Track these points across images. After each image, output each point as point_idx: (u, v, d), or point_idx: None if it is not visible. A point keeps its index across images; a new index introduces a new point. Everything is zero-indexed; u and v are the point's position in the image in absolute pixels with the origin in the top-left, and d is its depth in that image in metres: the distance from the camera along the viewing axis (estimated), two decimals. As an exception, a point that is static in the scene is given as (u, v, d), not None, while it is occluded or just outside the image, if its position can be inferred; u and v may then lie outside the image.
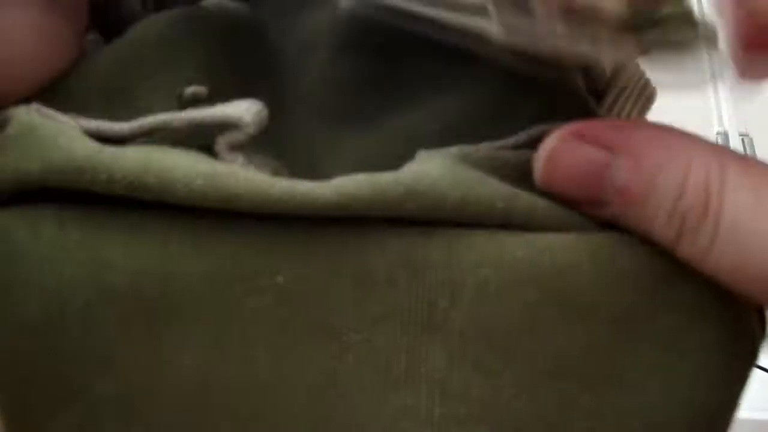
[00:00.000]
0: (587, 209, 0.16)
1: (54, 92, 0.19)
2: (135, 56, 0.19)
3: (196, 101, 0.17)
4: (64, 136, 0.16)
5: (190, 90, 0.17)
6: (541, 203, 0.16)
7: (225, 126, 0.16)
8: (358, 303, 0.15)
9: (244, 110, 0.16)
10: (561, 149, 0.16)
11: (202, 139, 0.17)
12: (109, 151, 0.16)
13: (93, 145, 0.16)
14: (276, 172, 0.17)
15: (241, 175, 0.15)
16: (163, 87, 0.19)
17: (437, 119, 0.19)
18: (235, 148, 0.16)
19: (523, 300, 0.15)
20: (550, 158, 0.16)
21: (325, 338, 0.15)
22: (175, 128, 0.16)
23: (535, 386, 0.15)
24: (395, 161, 0.19)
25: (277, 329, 0.15)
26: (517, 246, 0.15)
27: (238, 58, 0.20)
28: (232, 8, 0.21)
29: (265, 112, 0.17)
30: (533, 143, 0.17)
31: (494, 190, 0.15)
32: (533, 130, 0.17)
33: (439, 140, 0.18)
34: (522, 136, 0.17)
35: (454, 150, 0.17)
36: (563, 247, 0.15)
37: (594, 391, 0.15)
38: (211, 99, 0.18)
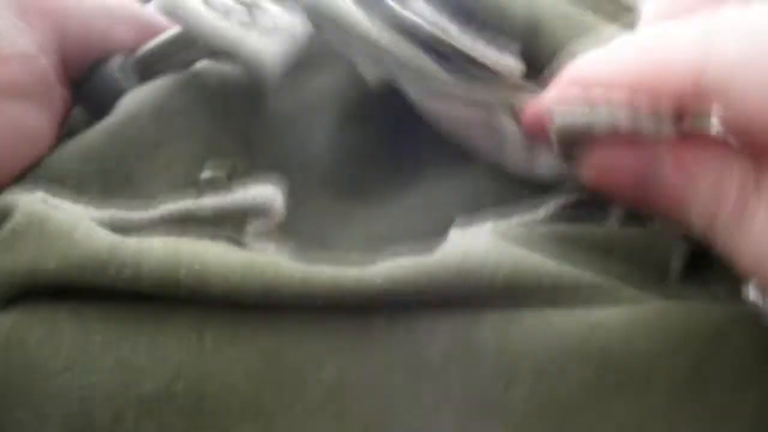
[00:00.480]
0: (626, 201, 0.17)
1: (48, 176, 0.18)
2: (131, 134, 0.18)
3: (213, 185, 0.16)
4: (79, 229, 0.15)
5: (207, 174, 0.16)
6: (585, 277, 0.15)
7: (253, 213, 0.15)
8: (413, 392, 0.15)
9: (272, 195, 0.16)
10: (608, 152, 0.16)
11: (226, 229, 0.16)
12: (132, 244, 0.15)
13: (113, 238, 0.15)
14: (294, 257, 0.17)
15: (282, 264, 0.14)
16: (163, 165, 0.18)
17: (453, 193, 0.19)
18: (264, 235, 0.16)
19: (580, 378, 0.15)
20: (598, 158, 0.16)
21: (382, 430, 0.14)
22: (199, 217, 0.15)
23: None
24: (408, 236, 0.18)
25: (330, 427, 0.14)
26: (567, 324, 0.15)
27: (240, 125, 0.20)
28: (227, 71, 0.20)
29: (284, 197, 0.16)
30: (562, 215, 0.17)
31: (540, 266, 0.15)
32: (562, 200, 0.17)
33: (457, 213, 0.18)
34: (551, 207, 0.17)
35: (488, 226, 0.17)
36: (615, 323, 0.15)
37: None
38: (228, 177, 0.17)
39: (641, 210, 0.17)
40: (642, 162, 0.16)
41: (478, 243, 0.15)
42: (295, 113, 0.21)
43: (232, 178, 0.17)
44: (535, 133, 0.17)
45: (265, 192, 0.16)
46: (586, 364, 0.15)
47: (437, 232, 0.17)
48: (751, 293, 0.16)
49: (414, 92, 0.18)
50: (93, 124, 0.19)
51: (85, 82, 0.21)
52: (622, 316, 0.15)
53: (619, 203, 0.17)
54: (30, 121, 0.18)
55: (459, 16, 0.17)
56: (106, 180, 0.18)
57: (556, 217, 0.17)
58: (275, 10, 0.18)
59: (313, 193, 0.20)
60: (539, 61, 0.18)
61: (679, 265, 0.16)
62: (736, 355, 0.15)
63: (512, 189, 0.19)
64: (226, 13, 0.18)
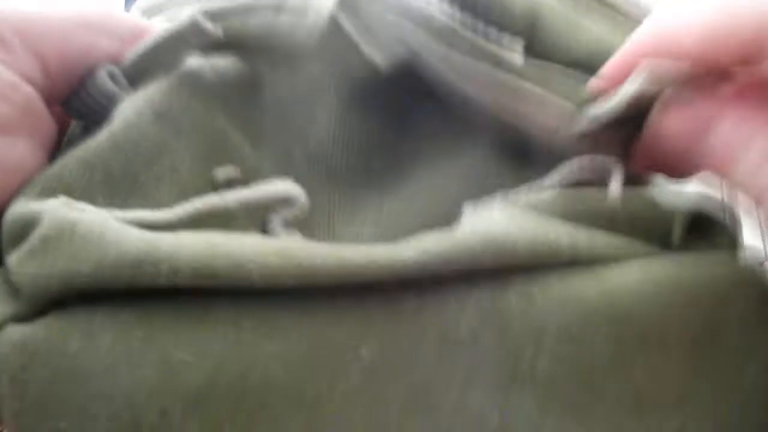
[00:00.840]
0: (674, 165, 0.17)
1: (54, 186, 0.18)
2: (133, 139, 0.18)
3: (230, 184, 0.17)
4: (111, 231, 0.15)
5: (223, 174, 0.17)
6: (598, 236, 0.16)
7: (278, 204, 0.16)
8: (446, 365, 0.15)
9: (294, 187, 0.16)
10: (672, 114, 0.17)
11: (252, 221, 0.16)
12: (167, 240, 0.15)
13: (146, 236, 0.15)
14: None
15: (314, 247, 0.15)
16: (168, 168, 0.18)
17: (455, 178, 0.20)
18: (289, 224, 0.16)
19: (602, 336, 0.15)
20: (666, 106, 0.17)
21: (419, 406, 0.15)
22: (227, 211, 0.16)
23: (625, 422, 0.16)
24: (416, 224, 0.19)
25: (370, 407, 0.15)
26: (587, 284, 0.16)
27: (241, 118, 0.20)
28: (222, 66, 0.20)
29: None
30: (566, 182, 0.18)
31: (556, 231, 0.16)
32: (564, 170, 0.18)
33: (462, 197, 0.19)
34: (554, 177, 0.18)
35: (498, 202, 0.17)
36: (629, 280, 0.16)
37: (671, 420, 0.16)
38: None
39: (679, 176, 0.18)
40: (701, 122, 0.17)
41: (496, 216, 0.16)
42: (294, 102, 0.21)
43: (248, 176, 0.17)
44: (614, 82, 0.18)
45: (286, 184, 0.16)
46: (607, 323, 0.15)
47: (445, 219, 0.18)
48: (749, 252, 0.17)
49: (442, 64, 0.19)
50: (91, 134, 0.19)
51: (75, 95, 0.21)
52: (635, 273, 0.16)
53: (659, 171, 0.18)
54: (15, 154, 0.18)
55: (461, 7, 0.18)
56: (112, 187, 0.17)
57: (560, 184, 0.18)
58: None
59: (319, 184, 0.20)
60: (537, 55, 0.18)
61: (681, 227, 0.17)
62: (746, 305, 0.16)
63: (513, 170, 0.19)
64: None
